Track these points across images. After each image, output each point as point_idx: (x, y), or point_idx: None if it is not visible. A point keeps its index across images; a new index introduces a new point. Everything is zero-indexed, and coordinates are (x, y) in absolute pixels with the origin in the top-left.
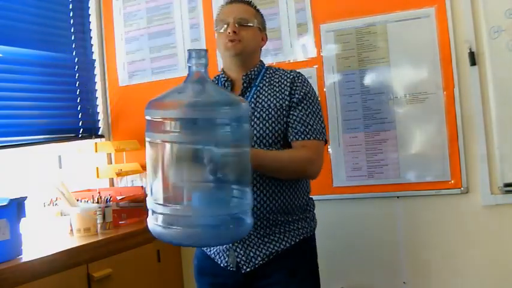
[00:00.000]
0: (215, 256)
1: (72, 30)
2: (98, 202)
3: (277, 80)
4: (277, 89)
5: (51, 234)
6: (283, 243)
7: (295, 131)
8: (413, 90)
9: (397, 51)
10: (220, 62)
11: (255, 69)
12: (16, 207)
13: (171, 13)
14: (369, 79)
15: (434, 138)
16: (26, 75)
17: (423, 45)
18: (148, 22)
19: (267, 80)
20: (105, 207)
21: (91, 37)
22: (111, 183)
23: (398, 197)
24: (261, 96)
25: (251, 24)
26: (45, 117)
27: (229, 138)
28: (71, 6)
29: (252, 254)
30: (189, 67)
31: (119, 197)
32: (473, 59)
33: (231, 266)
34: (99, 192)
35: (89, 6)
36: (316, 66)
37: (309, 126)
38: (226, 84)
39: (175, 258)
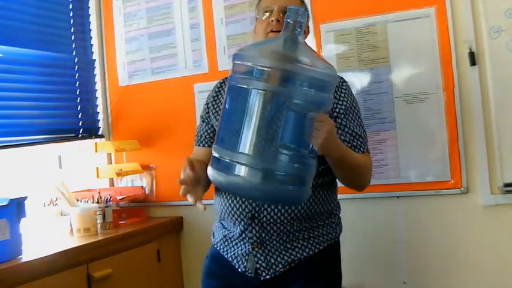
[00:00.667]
0: (233, 260)
1: (72, 30)
2: (98, 202)
3: None
4: None
5: (51, 234)
6: (307, 250)
7: (349, 145)
8: (413, 90)
9: (397, 51)
10: (220, 60)
11: None
12: (16, 207)
13: (171, 13)
14: (369, 79)
15: (434, 138)
16: (26, 75)
17: (423, 46)
18: (148, 22)
19: None
20: (105, 207)
21: (91, 37)
22: (111, 183)
23: (398, 197)
24: None
25: None
26: (45, 117)
27: (314, 100)
28: (71, 6)
29: (272, 261)
30: (286, 23)
31: (119, 197)
32: (473, 59)
33: (249, 271)
34: (99, 192)
35: (89, 6)
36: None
37: (361, 139)
38: None
39: (175, 258)
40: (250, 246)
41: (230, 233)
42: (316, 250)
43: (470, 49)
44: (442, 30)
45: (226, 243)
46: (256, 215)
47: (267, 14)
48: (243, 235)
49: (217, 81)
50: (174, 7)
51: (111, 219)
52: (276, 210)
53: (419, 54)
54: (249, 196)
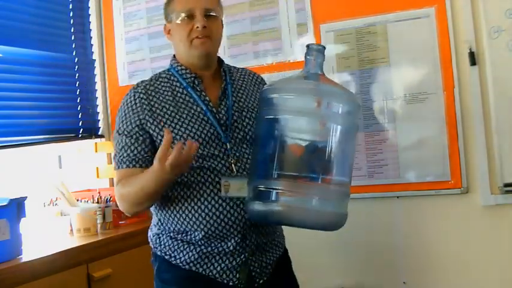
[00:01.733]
0: (221, 275)
1: (72, 30)
2: (98, 202)
3: (248, 80)
4: (252, 89)
5: (51, 234)
6: (280, 246)
7: None
8: (413, 90)
9: (397, 51)
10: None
11: (225, 64)
12: (16, 207)
13: None
14: (368, 79)
15: (434, 138)
16: (26, 75)
17: (423, 45)
18: (148, 22)
19: (238, 77)
20: (105, 207)
21: (91, 37)
22: (111, 183)
23: (398, 197)
24: (239, 95)
25: (217, 15)
26: (45, 117)
27: (346, 123)
28: (71, 6)
29: (264, 264)
30: (307, 60)
31: None
32: (473, 59)
33: (242, 282)
34: (99, 192)
35: (89, 6)
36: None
37: None
38: (196, 81)
39: None
40: (244, 256)
41: (215, 249)
42: (284, 245)
43: (470, 49)
44: (442, 30)
45: (206, 260)
46: (255, 223)
47: (184, 16)
48: (238, 247)
49: (131, 93)
50: None
51: (111, 219)
52: None
53: (419, 54)
54: (293, 221)
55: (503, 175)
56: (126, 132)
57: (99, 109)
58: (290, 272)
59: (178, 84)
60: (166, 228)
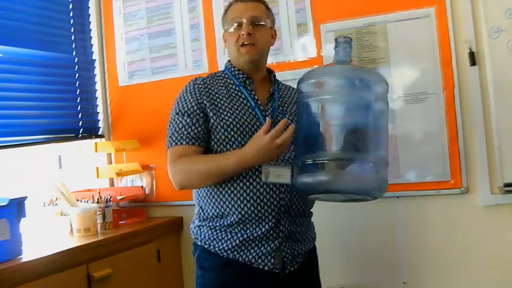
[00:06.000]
0: (256, 260)
1: (72, 30)
2: (98, 202)
3: (291, 92)
4: (293, 99)
5: (51, 234)
6: (311, 239)
7: None
8: (413, 90)
9: (397, 51)
10: (220, 60)
11: (274, 74)
12: (16, 207)
13: (171, 13)
14: None
15: (434, 138)
16: (26, 75)
17: (423, 45)
18: (148, 22)
19: (284, 88)
20: (105, 207)
21: (91, 37)
22: (111, 183)
23: (398, 197)
24: (284, 101)
25: (264, 23)
26: (45, 117)
27: (383, 104)
28: (71, 6)
29: (296, 253)
30: (336, 51)
31: (119, 197)
32: (473, 59)
33: (277, 267)
34: (99, 192)
35: (89, 6)
36: (316, 66)
37: None
38: (247, 82)
39: (175, 258)
40: (278, 242)
41: (250, 235)
42: (315, 242)
43: (470, 49)
44: (442, 30)
45: (243, 247)
46: (288, 209)
47: (236, 24)
48: (271, 231)
49: (190, 83)
50: (174, 7)
51: (111, 219)
52: (302, 203)
53: (419, 54)
54: (339, 188)
55: (503, 175)
56: (187, 113)
57: (99, 109)
58: (316, 268)
59: (231, 82)
60: (206, 214)
